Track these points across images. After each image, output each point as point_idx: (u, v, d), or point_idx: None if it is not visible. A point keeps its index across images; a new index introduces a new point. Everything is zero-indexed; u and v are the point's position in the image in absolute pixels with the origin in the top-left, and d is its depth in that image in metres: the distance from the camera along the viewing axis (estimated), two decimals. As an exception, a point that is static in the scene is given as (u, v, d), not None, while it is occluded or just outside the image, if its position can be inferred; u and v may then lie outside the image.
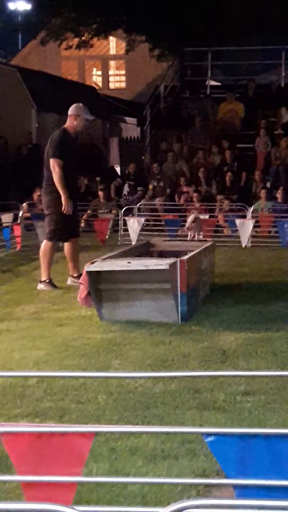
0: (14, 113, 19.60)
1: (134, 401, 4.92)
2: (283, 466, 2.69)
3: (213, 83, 23.39)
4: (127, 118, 26.95)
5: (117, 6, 21.22)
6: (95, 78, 36.69)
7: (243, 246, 13.76)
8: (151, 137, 20.27)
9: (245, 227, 13.89)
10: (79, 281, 7.63)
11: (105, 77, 36.49)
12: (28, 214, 14.75)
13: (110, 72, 36.87)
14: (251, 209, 14.87)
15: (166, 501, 3.49)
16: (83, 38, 23.60)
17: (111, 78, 36.80)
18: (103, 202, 16.54)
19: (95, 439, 2.87)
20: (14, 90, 19.99)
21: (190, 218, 10.09)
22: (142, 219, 14.53)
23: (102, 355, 6.09)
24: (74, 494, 2.80)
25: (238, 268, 11.07)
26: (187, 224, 10.10)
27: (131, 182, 17.92)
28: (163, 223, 14.76)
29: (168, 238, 12.17)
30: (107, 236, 14.21)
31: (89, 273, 7.21)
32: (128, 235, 14.05)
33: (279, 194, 16.02)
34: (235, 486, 2.74)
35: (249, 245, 13.88)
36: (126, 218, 14.52)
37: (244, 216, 14.61)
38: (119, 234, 14.59)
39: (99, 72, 36.73)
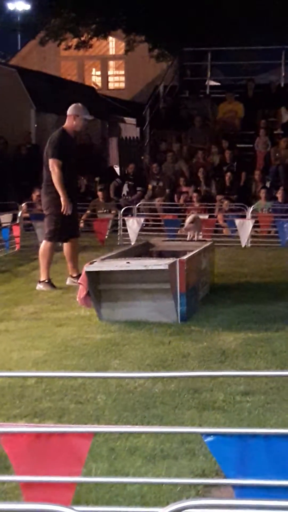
0: (13, 113, 19.59)
1: (134, 401, 4.92)
2: (283, 466, 2.69)
3: (212, 83, 23.39)
4: (126, 118, 26.94)
5: (116, 6, 21.22)
6: (94, 78, 36.69)
7: (243, 246, 13.76)
8: (151, 137, 20.27)
9: (245, 227, 13.89)
10: (78, 281, 7.63)
11: (104, 77, 36.49)
12: (27, 214, 14.75)
13: (110, 72, 36.86)
14: (251, 209, 14.87)
15: (165, 501, 3.48)
16: (82, 38, 23.60)
17: (110, 78, 36.80)
18: (102, 202, 16.55)
19: (94, 439, 2.86)
20: (13, 90, 19.98)
21: (188, 219, 10.09)
22: (142, 219, 14.53)
23: (101, 355, 6.09)
24: (73, 494, 2.80)
25: (238, 268, 11.06)
26: (185, 225, 10.10)
27: (130, 182, 17.92)
28: (163, 223, 14.76)
29: (167, 238, 12.17)
30: (106, 236, 14.21)
31: (88, 273, 7.21)
32: (127, 235, 14.05)
33: (279, 194, 16.02)
34: (234, 486, 2.74)
35: (249, 245, 13.88)
36: (126, 218, 14.52)
37: (244, 216, 14.61)
38: (118, 234, 14.58)
39: (98, 72, 36.73)
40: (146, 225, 15.03)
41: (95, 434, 2.88)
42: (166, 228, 14.28)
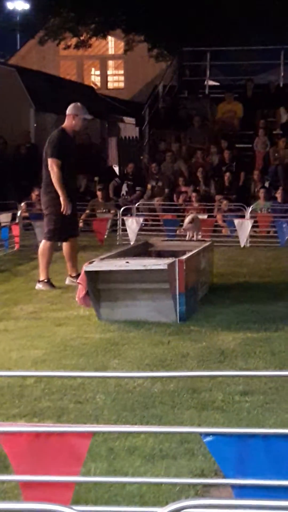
0: (12, 113, 19.58)
1: (133, 401, 4.92)
2: (282, 466, 2.69)
3: (211, 83, 23.39)
4: (125, 118, 26.93)
5: (115, 6, 21.22)
6: (94, 77, 36.69)
7: (242, 246, 13.76)
8: (150, 137, 20.27)
9: (244, 227, 13.89)
10: (78, 280, 7.63)
11: (104, 76, 36.50)
12: (27, 214, 14.75)
13: (109, 72, 36.87)
14: (250, 209, 14.87)
15: (164, 501, 3.48)
16: (81, 37, 23.60)
17: (109, 78, 36.80)
18: (102, 202, 16.54)
19: (93, 439, 2.86)
20: (12, 90, 19.97)
21: (187, 219, 10.09)
22: (141, 219, 14.53)
23: (100, 355, 6.09)
24: (72, 494, 2.80)
25: (237, 268, 11.06)
26: (184, 225, 10.09)
27: (129, 182, 17.91)
28: (162, 223, 14.76)
29: (166, 238, 12.17)
30: (105, 236, 14.21)
31: (88, 272, 7.21)
32: (127, 235, 14.05)
33: (278, 194, 16.02)
34: (233, 486, 2.74)
35: (248, 245, 13.89)
36: (125, 218, 14.52)
37: (243, 216, 14.61)
38: (117, 234, 14.58)
39: (98, 72, 36.73)
40: (145, 224, 15.03)
41: (94, 433, 2.89)
42: (165, 228, 14.28)
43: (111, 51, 36.19)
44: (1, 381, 5.26)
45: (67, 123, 9.35)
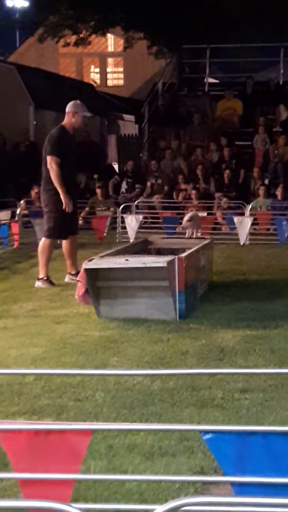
0: (12, 111, 19.57)
1: (132, 399, 4.92)
2: (281, 464, 2.69)
3: (211, 80, 23.35)
4: (125, 116, 26.92)
5: (115, 3, 21.20)
6: (93, 75, 36.67)
7: (241, 243, 13.76)
8: (149, 134, 20.25)
9: (243, 225, 13.88)
10: (77, 278, 7.63)
11: (103, 74, 36.48)
12: (26, 212, 14.74)
13: (108, 69, 36.86)
14: (249, 206, 14.87)
15: (163, 498, 3.49)
16: (81, 35, 23.58)
17: (109, 75, 36.79)
18: (101, 199, 16.54)
19: (93, 437, 2.86)
20: (12, 88, 19.96)
21: (186, 217, 10.08)
22: (140, 217, 14.52)
23: (100, 352, 6.09)
24: (72, 492, 2.80)
25: (236, 265, 11.06)
26: (182, 223, 10.09)
27: (129, 180, 17.90)
28: (161, 220, 14.75)
29: (166, 236, 12.17)
30: (105, 234, 14.20)
31: (87, 270, 7.21)
32: (126, 233, 14.05)
33: (278, 192, 16.02)
34: (233, 484, 2.74)
35: (247, 242, 13.88)
36: (124, 215, 14.51)
37: (242, 214, 14.60)
38: (117, 231, 14.58)
39: (97, 69, 36.71)
40: (145, 222, 15.02)
41: (93, 431, 2.89)
42: (165, 225, 14.28)
43: (110, 48, 36.17)
44: (0, 378, 5.25)
45: (67, 120, 9.34)
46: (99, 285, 7.43)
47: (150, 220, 15.40)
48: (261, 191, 15.93)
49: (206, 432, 2.74)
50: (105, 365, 5.75)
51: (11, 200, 15.14)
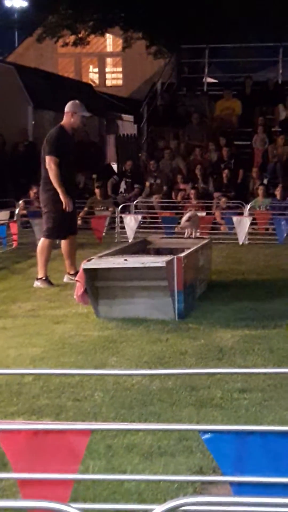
0: (11, 111, 19.57)
1: (131, 399, 4.92)
2: (280, 463, 2.69)
3: (210, 80, 23.35)
4: (124, 115, 26.92)
5: (113, 3, 21.20)
6: (92, 75, 36.67)
7: (240, 243, 13.76)
8: (148, 134, 20.25)
9: (242, 224, 13.89)
10: (76, 278, 7.63)
11: (102, 74, 36.47)
12: (25, 212, 14.73)
13: (107, 69, 36.85)
14: (248, 206, 14.87)
15: (162, 498, 3.49)
16: (79, 35, 23.58)
17: (107, 75, 36.78)
18: (100, 199, 16.53)
19: (91, 437, 2.86)
20: (11, 88, 19.96)
21: (184, 217, 10.08)
22: (139, 217, 14.52)
23: (98, 352, 6.09)
24: (71, 492, 2.80)
25: (235, 265, 11.06)
26: (181, 223, 10.09)
27: (128, 180, 17.90)
28: (160, 220, 14.75)
29: (165, 236, 12.17)
30: (103, 234, 14.20)
31: (86, 270, 7.21)
32: (125, 233, 14.05)
33: (277, 192, 16.02)
34: (231, 483, 2.74)
35: (246, 242, 13.89)
36: (123, 215, 14.51)
37: (241, 214, 14.61)
38: (115, 231, 14.58)
39: (96, 69, 36.71)
40: (144, 222, 15.01)
41: (92, 431, 2.89)
42: (164, 225, 14.27)
43: (109, 48, 36.17)
44: (-1, 378, 5.26)
45: (66, 120, 9.34)
46: (98, 285, 7.43)
47: (149, 220, 15.40)
48: (260, 190, 15.93)
49: (205, 432, 2.74)
50: (104, 365, 5.75)
51: (10, 200, 15.14)
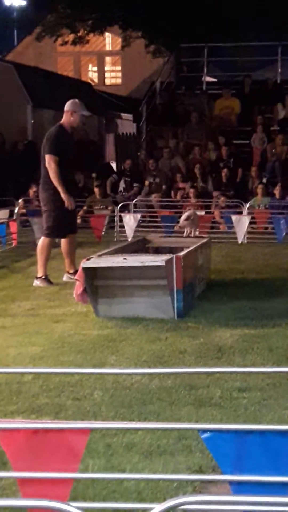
0: (10, 109, 19.55)
1: (130, 398, 4.93)
2: (279, 462, 2.69)
3: (209, 79, 23.34)
4: (123, 114, 26.91)
5: (113, 2, 21.20)
6: (91, 74, 36.65)
7: (239, 242, 13.77)
8: (147, 133, 20.24)
9: (241, 223, 13.89)
10: (75, 277, 7.63)
11: (101, 73, 36.45)
12: (24, 210, 14.73)
13: (106, 68, 36.83)
14: (247, 205, 14.87)
15: (162, 497, 3.49)
16: (78, 34, 23.58)
17: (107, 74, 36.76)
18: (99, 198, 16.53)
19: (91, 435, 2.87)
20: (10, 86, 19.94)
21: (183, 216, 10.08)
22: (138, 216, 14.52)
23: (98, 351, 6.09)
24: (70, 491, 2.80)
25: (234, 264, 11.07)
26: (180, 222, 10.09)
27: (127, 178, 17.90)
28: (159, 219, 14.75)
29: (164, 235, 12.17)
30: (103, 233, 14.20)
31: (85, 269, 7.21)
32: (124, 232, 14.05)
33: (276, 191, 16.02)
34: (231, 482, 2.75)
35: (245, 241, 13.89)
36: (122, 214, 14.51)
37: (240, 213, 14.61)
38: (115, 230, 14.58)
39: (95, 68, 36.69)
40: (143, 221, 15.02)
41: (92, 430, 2.89)
42: (163, 224, 14.28)
43: (108, 47, 36.15)
44: (-1, 377, 5.26)
45: (65, 119, 9.34)
46: (97, 284, 7.43)
47: (148, 219, 15.40)
48: (260, 189, 15.93)
49: (204, 431, 2.74)
50: (103, 364, 5.75)
51: (9, 199, 15.13)
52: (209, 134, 18.78)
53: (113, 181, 18.09)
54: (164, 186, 17.27)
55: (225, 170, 17.04)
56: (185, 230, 9.99)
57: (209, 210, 15.59)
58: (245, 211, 14.63)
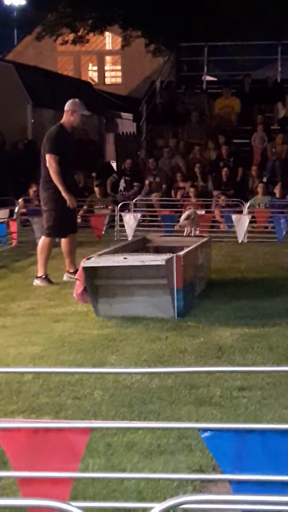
0: (10, 109, 19.56)
1: (131, 397, 4.93)
2: (279, 461, 2.69)
3: (209, 78, 23.34)
4: (123, 114, 26.91)
5: (113, 1, 21.19)
6: (91, 73, 36.65)
7: (240, 241, 13.77)
8: (147, 132, 20.24)
9: (242, 223, 13.89)
10: (75, 276, 7.63)
11: (101, 72, 36.44)
12: (24, 210, 14.73)
13: (106, 68, 36.83)
14: (247, 204, 14.87)
15: (162, 496, 3.49)
16: (78, 33, 23.57)
17: (107, 74, 36.76)
18: (99, 198, 16.53)
19: (91, 435, 2.87)
20: (10, 86, 19.94)
21: (183, 215, 10.08)
22: (138, 215, 14.52)
23: (98, 350, 6.09)
24: (71, 490, 2.80)
25: (235, 263, 11.07)
26: (180, 221, 10.09)
27: (127, 178, 17.90)
28: (160, 218, 14.75)
29: (164, 234, 12.17)
30: (103, 232, 14.20)
31: (85, 268, 7.21)
32: (124, 231, 14.05)
33: (276, 190, 16.02)
34: (231, 482, 2.75)
35: (246, 240, 13.89)
36: (122, 213, 14.51)
37: (241, 212, 14.61)
38: (115, 229, 14.58)
39: (95, 68, 36.69)
40: (143, 220, 15.02)
41: (92, 429, 2.89)
42: (163, 223, 14.28)
43: (108, 46, 36.14)
44: (-1, 377, 5.26)
45: (65, 119, 9.34)
46: (97, 284, 7.43)
47: (148, 218, 15.40)
48: (260, 188, 15.93)
49: (205, 430, 2.74)
50: (103, 363, 5.75)
51: (9, 198, 15.13)
52: (209, 133, 18.78)
53: (113, 180, 18.09)
54: (164, 186, 17.27)
55: (225, 169, 17.04)
56: (185, 229, 9.99)
57: (209, 210, 15.59)
58: (245, 210, 14.63)
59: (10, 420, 3.99)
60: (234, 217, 14.08)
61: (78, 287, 7.35)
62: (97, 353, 6.03)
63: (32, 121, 20.87)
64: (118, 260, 7.41)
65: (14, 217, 13.68)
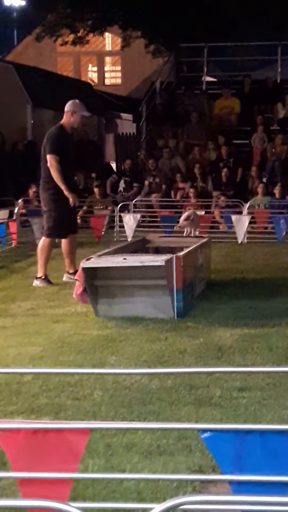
0: (10, 109, 19.56)
1: (130, 398, 4.92)
2: (279, 462, 2.69)
3: (209, 79, 23.34)
4: (122, 114, 26.91)
5: (113, 2, 21.20)
6: (91, 74, 36.65)
7: (239, 242, 13.77)
8: (147, 133, 20.24)
9: (241, 223, 13.89)
10: (75, 277, 7.63)
11: (101, 73, 36.45)
12: (24, 211, 14.73)
13: (106, 68, 36.83)
14: (247, 205, 14.87)
15: (162, 497, 3.49)
16: (78, 34, 23.58)
17: (106, 74, 36.76)
18: (99, 198, 16.53)
19: (91, 435, 2.86)
20: (10, 86, 19.95)
21: (182, 216, 10.08)
22: (138, 216, 14.52)
23: (98, 351, 6.09)
24: (70, 491, 2.80)
25: (234, 264, 11.07)
26: (180, 222, 10.09)
27: (126, 178, 17.90)
28: (159, 219, 14.76)
29: (164, 234, 12.17)
30: (103, 233, 14.20)
31: (85, 269, 7.21)
32: (124, 232, 14.05)
33: (276, 190, 16.03)
34: (231, 482, 2.75)
35: (245, 241, 13.89)
36: (122, 214, 14.51)
37: (240, 212, 14.61)
38: (115, 230, 14.58)
39: (95, 68, 36.69)
40: (143, 221, 15.03)
41: (91, 430, 2.89)
42: (163, 224, 14.28)
43: (108, 47, 36.14)
44: (-2, 378, 5.26)
45: (65, 119, 9.34)
46: (97, 284, 7.43)
47: (148, 219, 15.41)
48: (260, 189, 15.94)
49: (204, 430, 2.74)
50: (103, 364, 5.75)
51: (9, 199, 15.13)
52: (209, 134, 18.79)
53: (113, 181, 18.09)
54: (164, 186, 17.27)
55: (225, 170, 17.05)
56: (185, 230, 9.98)
57: (209, 210, 15.59)
58: (245, 210, 14.63)
59: (10, 420, 3.99)
60: (234, 217, 14.09)
61: (78, 287, 7.35)
62: (97, 353, 6.03)
63: (32, 121, 20.87)
64: (117, 260, 7.41)
65: (14, 217, 13.67)
